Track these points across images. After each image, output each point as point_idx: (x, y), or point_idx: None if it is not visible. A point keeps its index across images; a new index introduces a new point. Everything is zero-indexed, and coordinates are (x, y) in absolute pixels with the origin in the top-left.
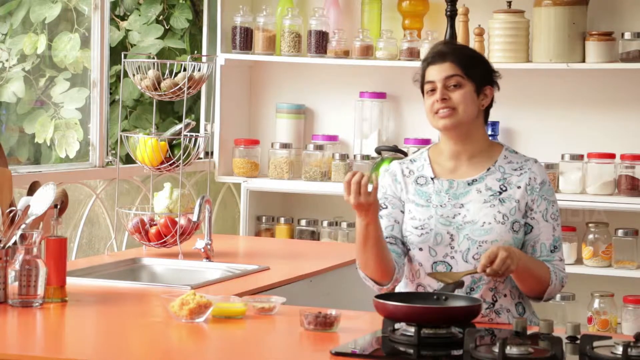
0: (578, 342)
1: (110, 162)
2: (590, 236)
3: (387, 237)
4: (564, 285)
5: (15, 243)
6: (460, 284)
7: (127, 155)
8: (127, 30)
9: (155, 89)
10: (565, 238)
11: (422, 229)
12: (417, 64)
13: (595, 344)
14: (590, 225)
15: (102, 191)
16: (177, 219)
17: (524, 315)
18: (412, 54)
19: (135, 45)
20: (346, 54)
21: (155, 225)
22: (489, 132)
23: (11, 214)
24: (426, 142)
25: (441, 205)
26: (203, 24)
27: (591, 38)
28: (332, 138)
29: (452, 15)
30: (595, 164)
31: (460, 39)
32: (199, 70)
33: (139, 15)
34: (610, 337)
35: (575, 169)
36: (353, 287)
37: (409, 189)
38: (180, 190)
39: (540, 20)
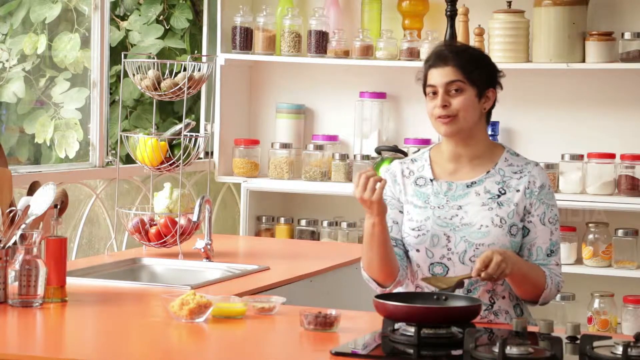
0: (578, 342)
1: (110, 162)
2: (590, 236)
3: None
4: (560, 290)
5: (15, 243)
6: (460, 285)
7: (127, 155)
8: (127, 30)
9: (155, 89)
10: (565, 238)
11: (418, 230)
12: (417, 64)
13: (595, 344)
14: (590, 225)
15: (102, 191)
16: (177, 219)
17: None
18: (412, 54)
19: (135, 45)
20: (346, 54)
21: (155, 225)
22: (489, 132)
23: (11, 214)
24: (426, 142)
25: (439, 207)
26: (203, 24)
27: (591, 38)
28: (332, 138)
29: (452, 15)
30: (595, 164)
31: (460, 39)
32: (199, 70)
33: (139, 15)
34: (610, 337)
35: (575, 169)
36: (353, 287)
37: (407, 191)
38: (180, 190)
39: (540, 20)
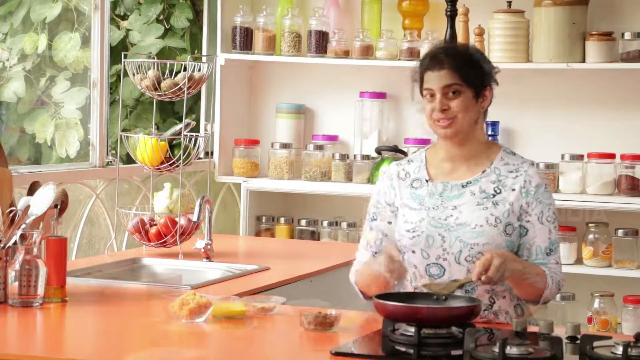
0: (578, 342)
1: (110, 162)
2: (590, 236)
3: (376, 252)
4: (561, 288)
5: (15, 243)
6: (460, 287)
7: (127, 155)
8: (128, 30)
9: (155, 89)
10: (565, 238)
11: (413, 231)
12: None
13: (595, 344)
14: (590, 225)
15: (102, 191)
16: (177, 219)
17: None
18: (412, 54)
19: (135, 44)
20: (346, 54)
21: (155, 225)
22: (489, 132)
23: (11, 214)
24: (426, 142)
25: (433, 208)
26: (203, 24)
27: (591, 38)
28: (332, 138)
29: (452, 15)
30: (595, 164)
31: (460, 39)
32: (199, 70)
33: (139, 14)
34: (610, 337)
35: (575, 169)
36: (353, 287)
37: (402, 194)
38: (180, 190)
39: (540, 20)
